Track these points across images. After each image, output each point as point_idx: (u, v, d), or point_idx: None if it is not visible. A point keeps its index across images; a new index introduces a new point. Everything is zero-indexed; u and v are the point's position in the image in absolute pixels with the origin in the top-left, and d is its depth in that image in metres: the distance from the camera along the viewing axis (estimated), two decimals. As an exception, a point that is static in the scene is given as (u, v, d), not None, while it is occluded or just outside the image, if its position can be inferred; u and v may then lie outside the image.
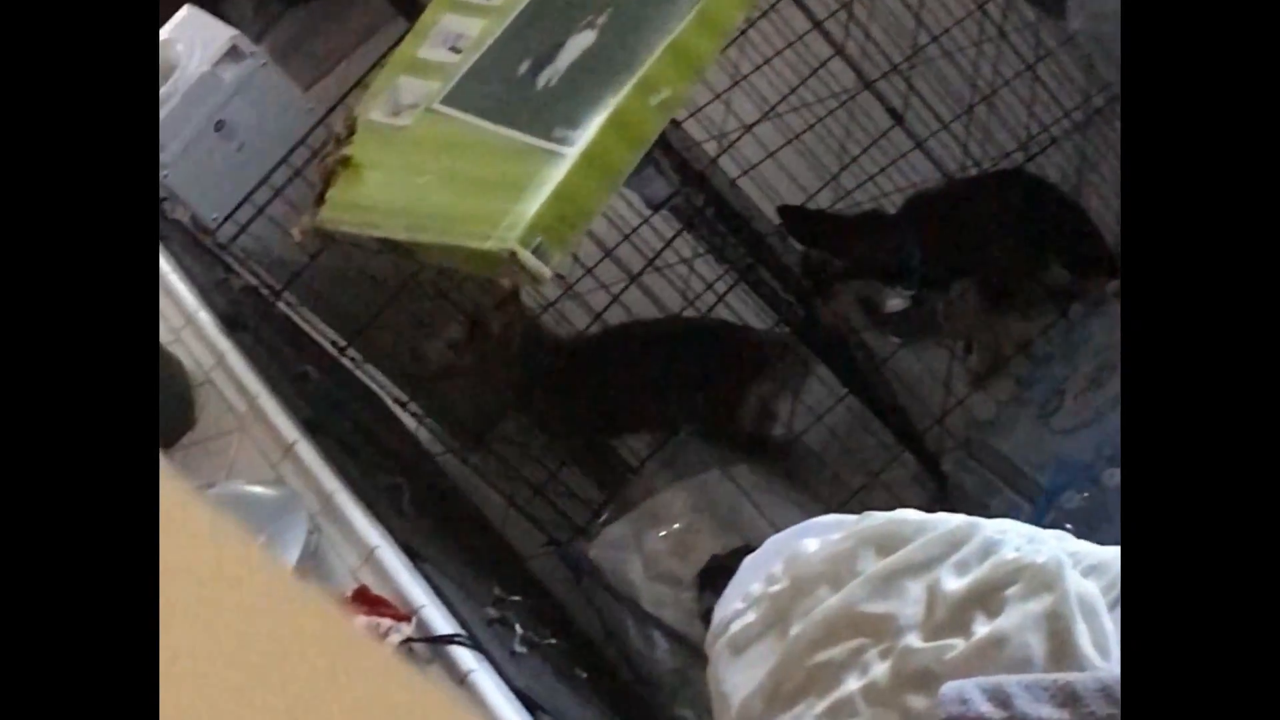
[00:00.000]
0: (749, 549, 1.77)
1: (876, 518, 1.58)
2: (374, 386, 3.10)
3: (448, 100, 2.42)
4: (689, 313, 3.17)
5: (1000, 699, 1.27)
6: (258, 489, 2.42)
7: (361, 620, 2.07)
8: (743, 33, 2.95)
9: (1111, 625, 1.36)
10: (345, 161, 2.47)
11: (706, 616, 2.37)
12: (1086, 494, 2.62)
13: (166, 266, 3.07)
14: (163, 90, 3.07)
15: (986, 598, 1.41)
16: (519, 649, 2.18)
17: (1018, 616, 1.36)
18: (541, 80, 2.28)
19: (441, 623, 2.08)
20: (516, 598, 2.36)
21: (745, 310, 3.13)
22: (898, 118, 2.70)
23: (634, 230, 3.09)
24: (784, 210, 2.95)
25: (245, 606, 0.58)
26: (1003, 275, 2.98)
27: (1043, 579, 1.38)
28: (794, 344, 3.11)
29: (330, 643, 0.60)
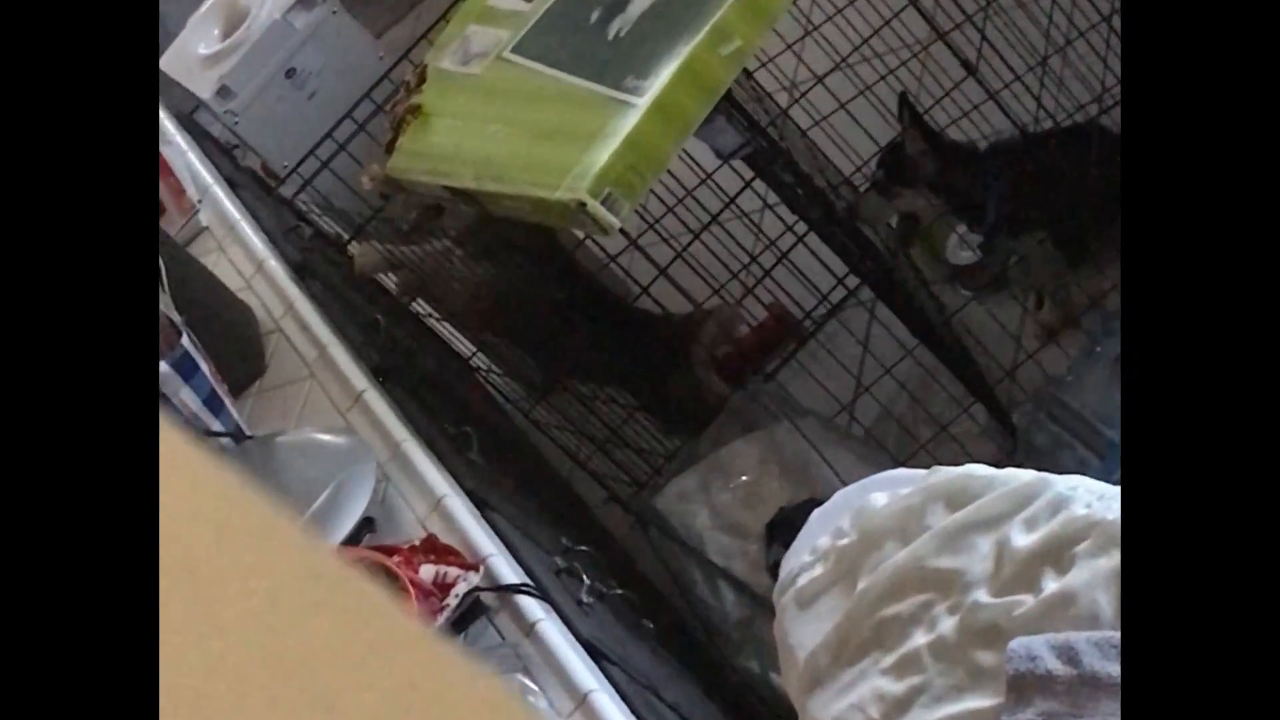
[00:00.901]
0: (817, 502, 1.76)
1: (945, 472, 1.58)
2: (443, 335, 3.11)
3: (518, 49, 2.41)
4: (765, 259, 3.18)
5: (1069, 656, 1.27)
6: (327, 437, 2.43)
7: (429, 569, 2.07)
8: (815, -18, 2.93)
9: (1182, 583, 1.35)
10: (415, 110, 2.47)
11: (774, 569, 2.37)
12: (1158, 450, 2.59)
13: (237, 214, 3.08)
14: (234, 38, 3.07)
15: (1056, 554, 1.40)
16: (586, 599, 2.18)
17: (1087, 573, 1.36)
18: (612, 29, 2.27)
19: (509, 572, 2.08)
20: (584, 548, 2.36)
21: (811, 263, 3.12)
22: (971, 69, 2.67)
23: (700, 184, 3.08)
24: (904, 99, 2.92)
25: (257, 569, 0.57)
26: (1076, 229, 2.96)
27: (1113, 536, 1.37)
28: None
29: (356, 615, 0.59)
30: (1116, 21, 3.12)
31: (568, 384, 3.08)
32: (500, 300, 2.94)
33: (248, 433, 2.55)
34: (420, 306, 3.05)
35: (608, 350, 3.08)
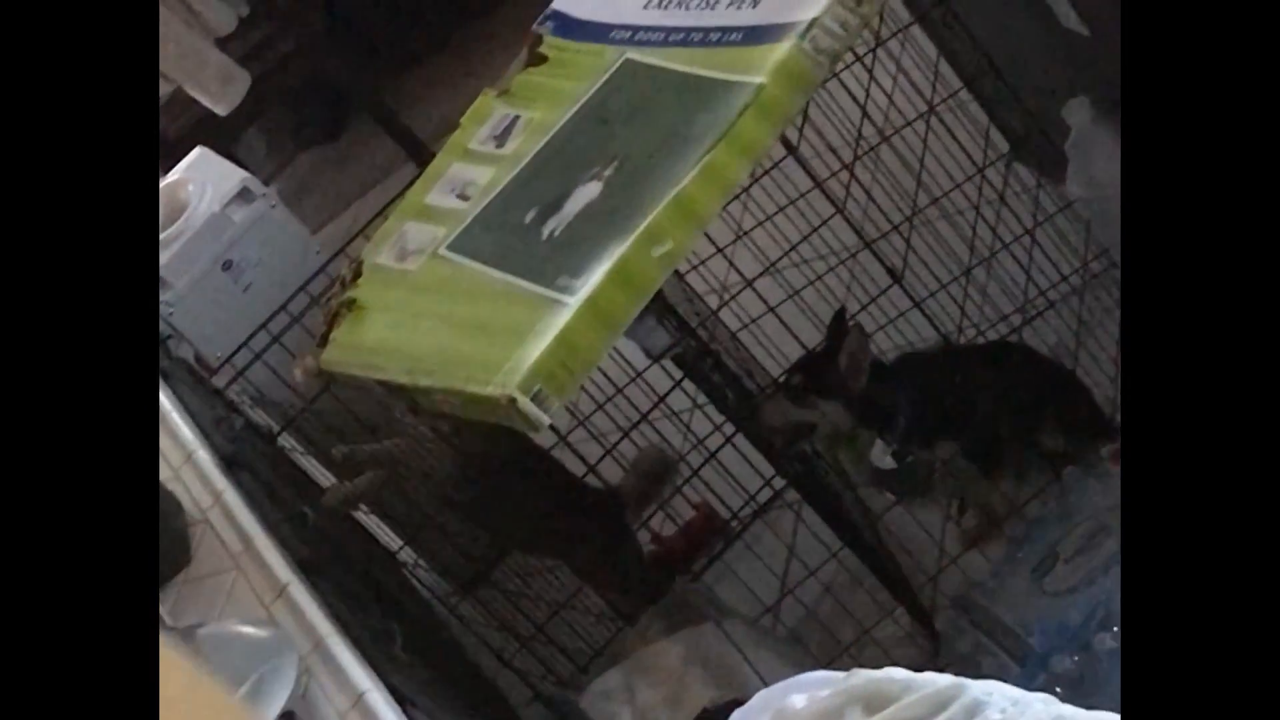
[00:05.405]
0: (740, 703, 1.76)
1: (864, 675, 1.59)
2: (371, 528, 3.11)
3: (454, 246, 2.44)
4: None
5: None
6: (248, 629, 2.41)
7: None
8: (746, 189, 2.99)
9: (1096, 790, 1.36)
10: (350, 304, 2.50)
11: (695, 770, 2.36)
12: (1077, 658, 2.61)
13: (168, 404, 3.08)
14: (172, 230, 3.10)
15: (972, 758, 1.41)
16: (506, 798, 2.17)
17: (1002, 778, 1.36)
18: (547, 229, 2.30)
19: (429, 770, 2.07)
20: (505, 746, 2.35)
21: (739, 464, 3.14)
22: (896, 277, 2.73)
23: (630, 382, 3.11)
24: (840, 315, 2.95)
25: None
26: (994, 439, 3.00)
27: (1027, 741, 1.38)
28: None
29: None
30: (1039, 234, 3.19)
31: (502, 576, 3.07)
32: (469, 463, 2.93)
33: (170, 624, 2.53)
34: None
35: (561, 515, 3.07)
